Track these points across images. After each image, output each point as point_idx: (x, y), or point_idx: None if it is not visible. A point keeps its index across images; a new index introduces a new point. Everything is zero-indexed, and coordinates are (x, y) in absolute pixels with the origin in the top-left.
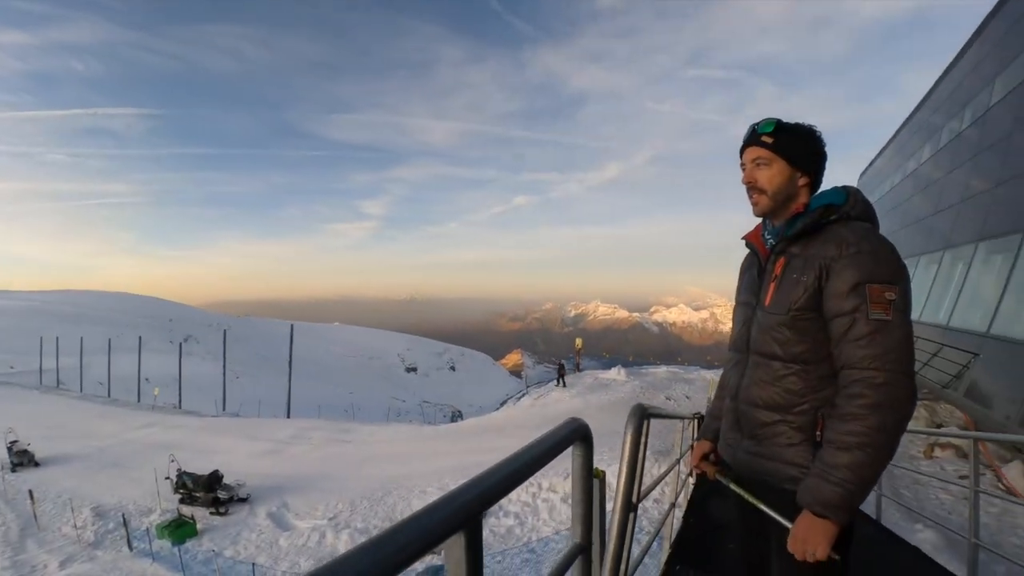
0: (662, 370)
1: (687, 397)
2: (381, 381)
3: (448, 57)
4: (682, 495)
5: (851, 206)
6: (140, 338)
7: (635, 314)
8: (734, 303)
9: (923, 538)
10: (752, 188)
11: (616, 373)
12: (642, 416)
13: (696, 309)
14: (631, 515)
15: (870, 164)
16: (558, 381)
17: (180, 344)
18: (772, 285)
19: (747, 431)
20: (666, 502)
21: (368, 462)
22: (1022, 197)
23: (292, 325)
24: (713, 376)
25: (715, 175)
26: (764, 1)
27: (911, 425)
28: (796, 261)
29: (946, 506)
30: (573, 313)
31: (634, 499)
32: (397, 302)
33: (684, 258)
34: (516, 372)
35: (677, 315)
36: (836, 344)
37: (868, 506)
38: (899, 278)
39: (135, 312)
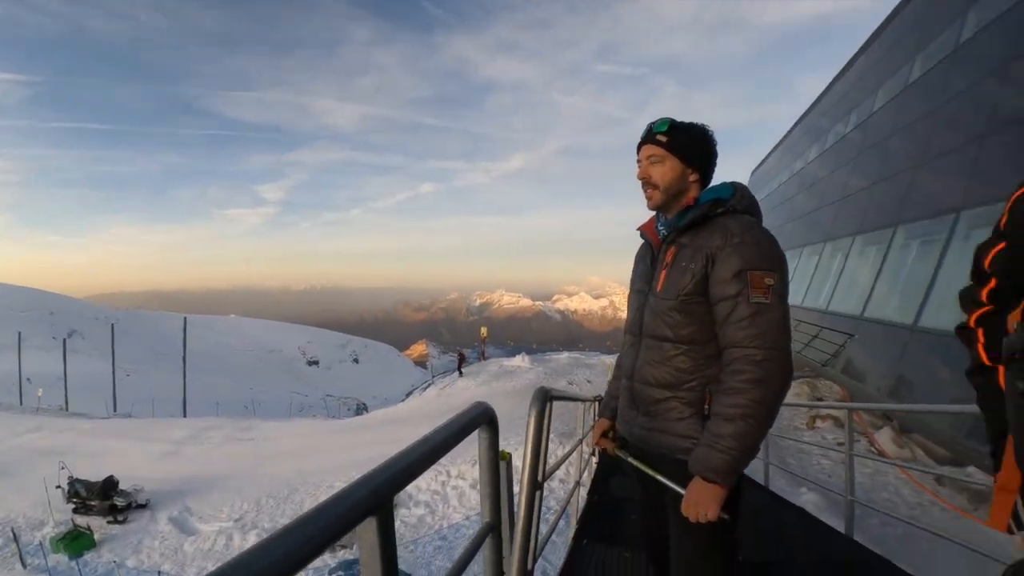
0: (564, 356)
1: (588, 381)
2: (282, 375)
3: (356, 36)
4: (586, 473)
5: (737, 200)
6: (19, 334)
7: (538, 303)
8: (629, 290)
9: (807, 499)
10: (647, 183)
11: (520, 360)
12: (545, 399)
13: (596, 297)
14: (537, 494)
15: (762, 162)
16: (459, 371)
17: (64, 340)
18: (664, 272)
19: (642, 408)
20: (571, 481)
21: (272, 459)
22: (895, 195)
23: (185, 318)
24: (612, 361)
25: (618, 169)
26: (672, 2)
27: (795, 399)
28: (686, 250)
29: (827, 470)
30: (478, 302)
31: (540, 478)
32: (297, 292)
33: (586, 248)
34: (421, 363)
35: (579, 303)
36: (721, 326)
37: (757, 474)
38: (778, 266)
39: (11, 304)
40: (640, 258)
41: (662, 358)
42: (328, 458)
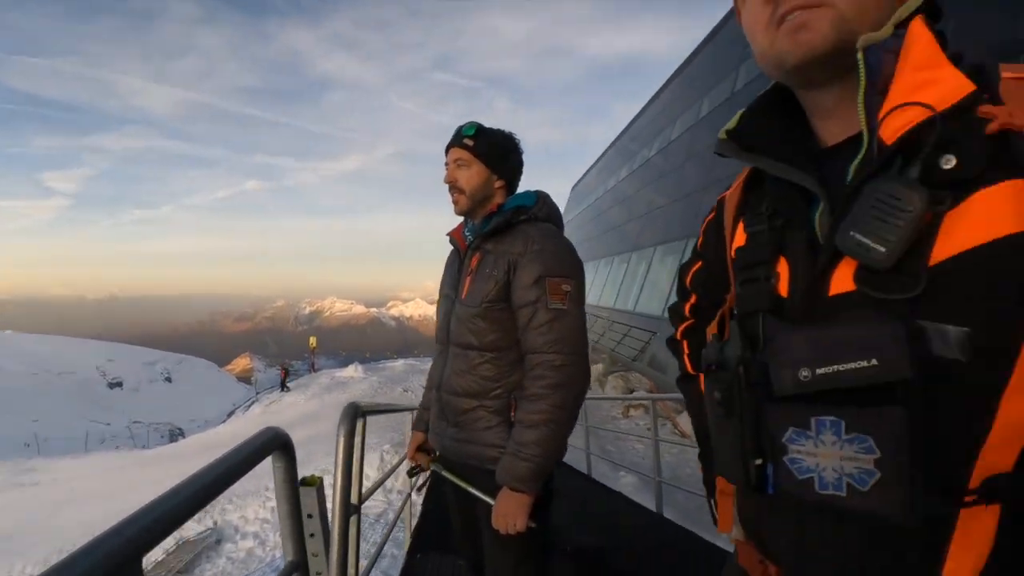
0: (399, 364)
1: (423, 387)
2: (75, 402)
3: (176, 11)
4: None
5: (539, 208)
6: None
7: (372, 309)
8: (438, 298)
9: (625, 483)
10: (453, 187)
11: (353, 370)
12: (355, 415)
13: (431, 303)
14: (353, 519)
15: (581, 178)
16: (282, 386)
17: None
18: (468, 279)
19: (451, 419)
20: (406, 492)
21: (66, 506)
22: (690, 212)
23: None
24: None
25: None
26: (510, 22)
27: (611, 392)
28: (489, 257)
29: (640, 454)
30: (308, 310)
31: (355, 501)
32: (95, 302)
33: (422, 253)
34: (245, 378)
35: (414, 309)
36: (522, 332)
37: (580, 463)
38: (574, 273)
39: None
40: (449, 264)
41: (468, 366)
42: (138, 495)
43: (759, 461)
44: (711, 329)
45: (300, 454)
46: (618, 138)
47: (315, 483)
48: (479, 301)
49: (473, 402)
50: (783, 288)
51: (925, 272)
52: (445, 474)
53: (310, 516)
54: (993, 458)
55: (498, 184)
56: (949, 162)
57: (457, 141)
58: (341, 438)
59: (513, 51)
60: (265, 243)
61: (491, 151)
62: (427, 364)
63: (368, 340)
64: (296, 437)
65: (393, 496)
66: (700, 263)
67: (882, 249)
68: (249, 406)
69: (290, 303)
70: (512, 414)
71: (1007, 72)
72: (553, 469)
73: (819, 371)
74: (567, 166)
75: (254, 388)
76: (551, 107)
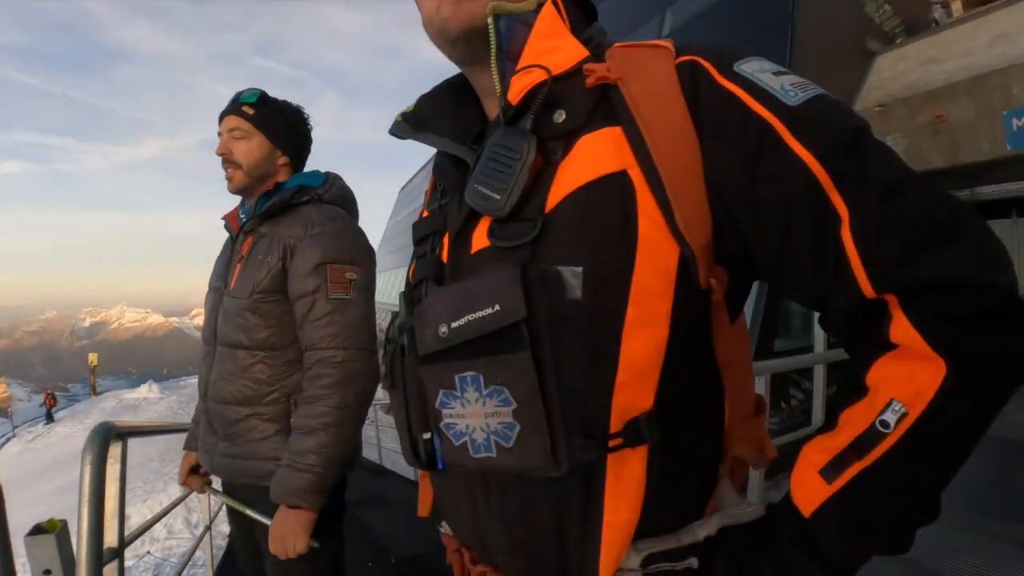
0: None
1: None
2: None
3: None
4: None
5: (326, 189)
6: None
7: (172, 319)
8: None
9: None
10: (227, 161)
11: (147, 390)
12: (105, 439)
13: None
14: (113, 565)
15: (409, 180)
16: (48, 417)
17: None
18: (238, 267)
19: (221, 431)
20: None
21: None
22: None
23: None
24: None
25: None
26: (343, 14)
27: None
28: (263, 241)
29: None
30: (89, 322)
31: (114, 544)
32: None
33: None
34: (3, 409)
35: None
36: (300, 326)
37: (373, 453)
38: (362, 260)
39: None
40: (222, 253)
41: (238, 369)
42: None
43: (427, 435)
44: None
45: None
46: None
47: (54, 528)
48: (249, 292)
49: (245, 410)
50: (444, 255)
51: (541, 217)
52: (221, 497)
53: (47, 572)
54: (628, 397)
55: (282, 161)
56: (560, 116)
57: (234, 108)
58: (87, 467)
59: (343, 44)
60: (29, 241)
61: (274, 122)
62: None
63: (168, 354)
64: (68, 477)
65: (199, 531)
66: None
67: (498, 197)
68: (3, 444)
69: (64, 314)
70: (292, 420)
71: (620, 44)
72: (340, 479)
73: (454, 324)
74: (397, 168)
75: (10, 421)
76: (381, 106)
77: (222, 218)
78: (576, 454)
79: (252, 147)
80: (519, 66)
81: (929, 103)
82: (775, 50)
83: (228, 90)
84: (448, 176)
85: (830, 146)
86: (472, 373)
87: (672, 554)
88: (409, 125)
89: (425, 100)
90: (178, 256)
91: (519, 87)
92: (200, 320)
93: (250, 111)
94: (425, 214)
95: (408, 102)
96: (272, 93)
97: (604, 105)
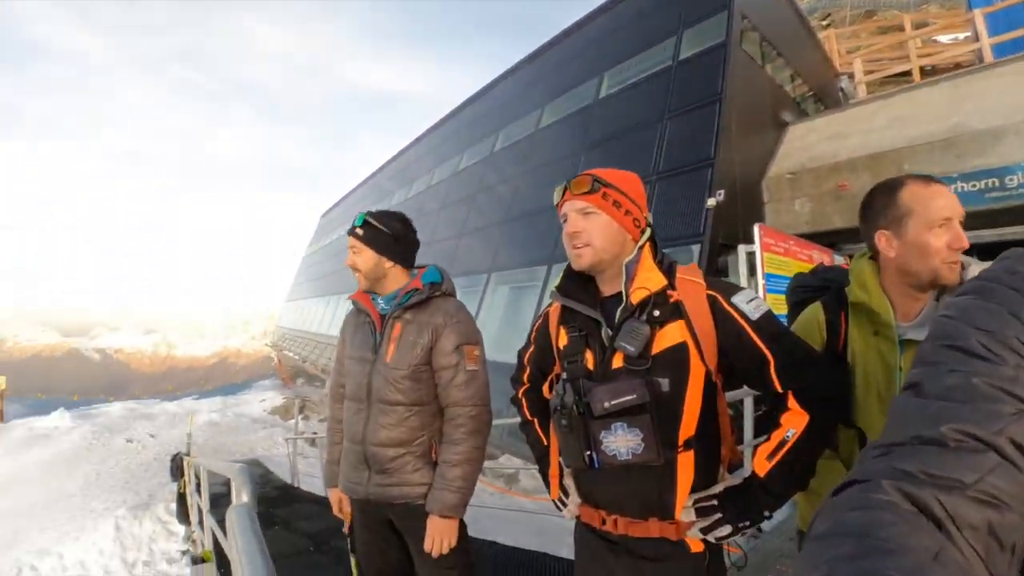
0: (117, 407)
1: (151, 436)
2: None
3: None
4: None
5: (446, 284)
6: None
7: (71, 339)
8: (343, 357)
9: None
10: (353, 268)
11: (59, 418)
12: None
13: (147, 333)
14: None
15: (331, 208)
16: None
17: None
18: (392, 345)
19: (375, 467)
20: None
21: None
22: (447, 256)
23: None
24: (177, 408)
25: (185, 184)
26: (266, 28)
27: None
28: (411, 326)
29: None
30: None
31: None
32: None
33: (133, 273)
34: None
35: (125, 339)
36: (443, 388)
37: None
38: (480, 340)
39: None
40: (357, 327)
41: (397, 420)
42: None
43: (588, 452)
44: (545, 387)
45: (4, 532)
46: (373, 176)
47: (210, 559)
48: (407, 364)
49: (401, 450)
50: (590, 365)
51: (650, 357)
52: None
53: None
54: (686, 429)
55: (388, 265)
56: (656, 313)
57: (351, 231)
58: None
59: (268, 60)
60: None
61: (377, 239)
62: (152, 407)
63: (69, 378)
64: None
65: (137, 570)
66: (533, 348)
67: (632, 348)
68: None
69: None
70: (432, 456)
71: (681, 272)
72: (470, 499)
73: (611, 403)
74: (318, 190)
75: None
76: (305, 126)
77: (350, 298)
78: (665, 454)
79: (365, 259)
80: (633, 286)
81: (834, 174)
82: (705, 122)
83: (141, 97)
84: (589, 326)
85: (768, 335)
86: (620, 423)
87: (705, 499)
88: (560, 294)
89: (565, 279)
90: (75, 271)
91: (636, 298)
92: (101, 343)
93: (360, 232)
94: (564, 337)
95: (326, 122)
96: (189, 106)
97: (676, 311)
